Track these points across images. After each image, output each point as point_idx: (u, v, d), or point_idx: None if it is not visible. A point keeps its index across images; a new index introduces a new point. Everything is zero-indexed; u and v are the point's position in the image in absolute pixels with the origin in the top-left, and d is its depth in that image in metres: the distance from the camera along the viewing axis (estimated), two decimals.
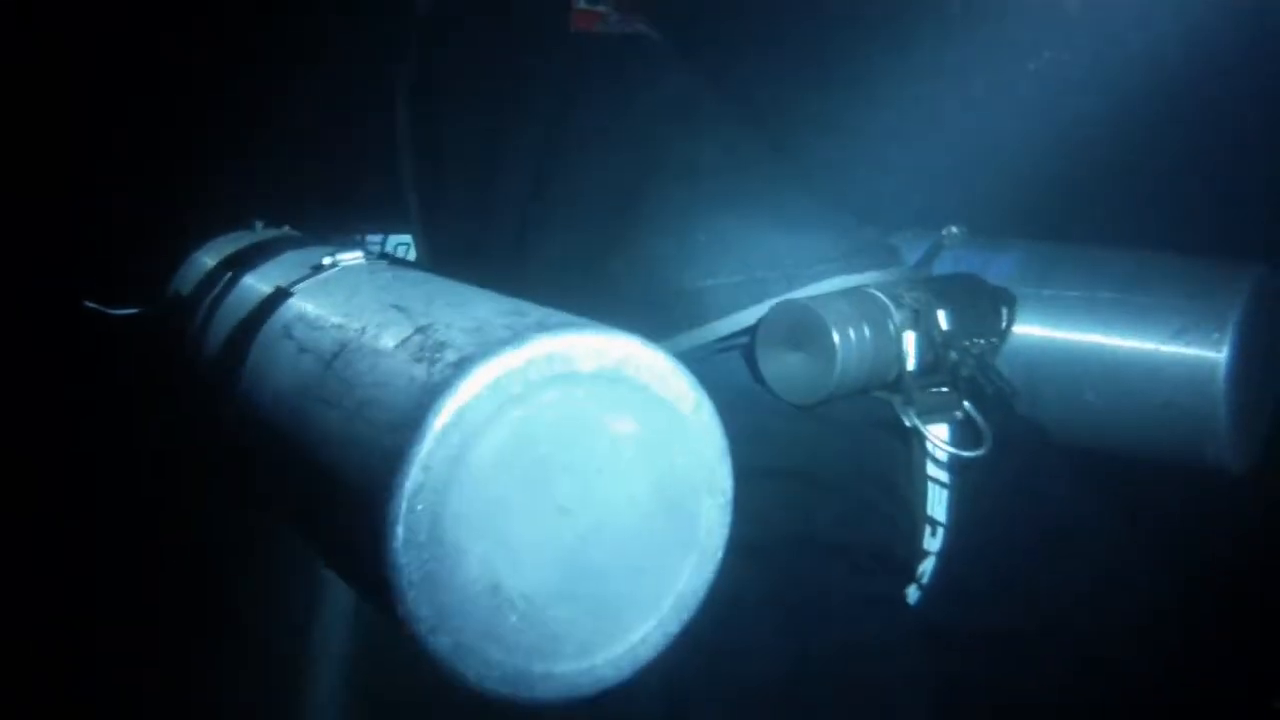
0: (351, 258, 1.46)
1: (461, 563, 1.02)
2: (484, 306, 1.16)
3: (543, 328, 1.05)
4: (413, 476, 0.99)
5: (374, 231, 1.88)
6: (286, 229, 1.82)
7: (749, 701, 1.39)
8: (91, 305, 2.12)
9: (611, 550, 1.11)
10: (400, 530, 0.99)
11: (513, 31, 1.83)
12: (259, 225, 1.83)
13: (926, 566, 1.56)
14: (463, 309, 1.16)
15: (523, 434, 1.04)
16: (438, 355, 1.06)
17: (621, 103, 1.74)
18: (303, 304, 1.38)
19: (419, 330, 1.13)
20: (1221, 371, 1.64)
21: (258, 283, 1.54)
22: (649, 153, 1.71)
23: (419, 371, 1.06)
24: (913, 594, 1.57)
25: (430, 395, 1.01)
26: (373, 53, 1.93)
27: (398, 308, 1.22)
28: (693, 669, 1.29)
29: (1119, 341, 1.72)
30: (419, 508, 0.99)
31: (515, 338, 1.03)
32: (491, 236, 1.70)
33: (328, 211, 1.90)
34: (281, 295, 1.42)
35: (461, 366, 1.02)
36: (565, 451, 1.07)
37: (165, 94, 2.28)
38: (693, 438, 1.13)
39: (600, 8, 1.83)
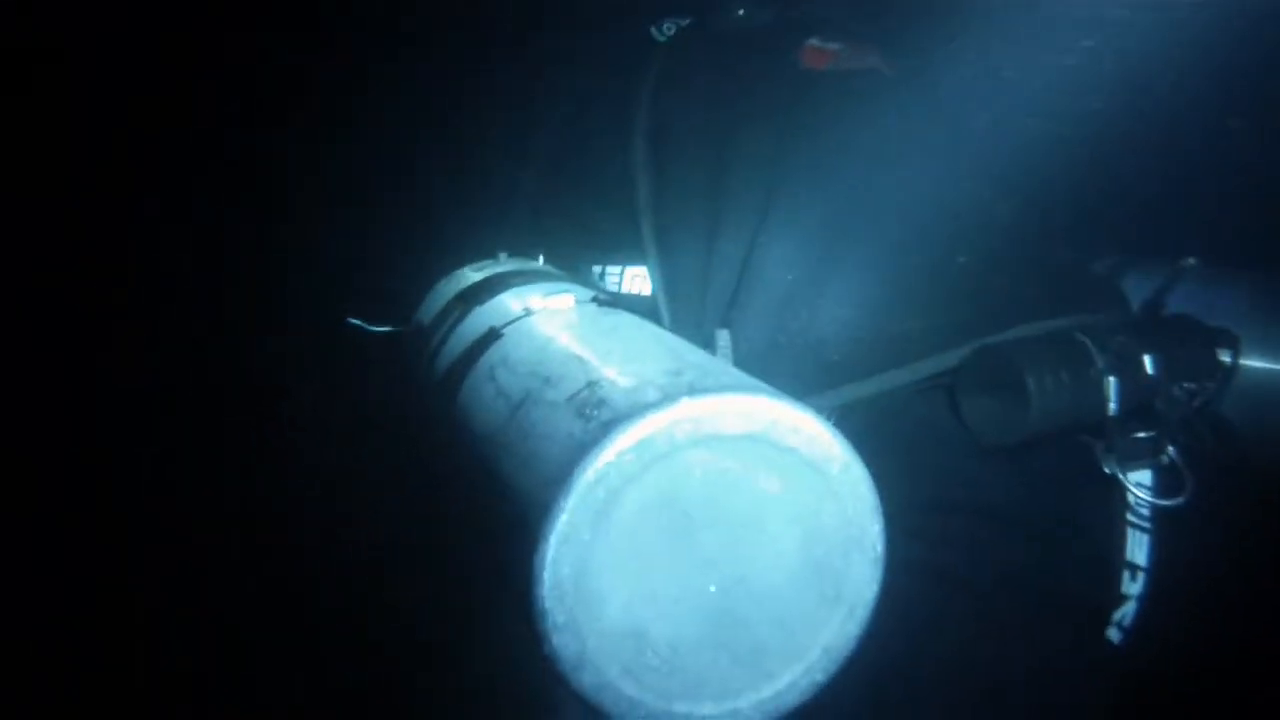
0: (558, 302, 1.55)
1: (605, 609, 1.10)
2: (652, 363, 1.23)
3: (693, 390, 1.11)
4: (559, 528, 1.07)
5: (614, 263, 1.97)
6: (529, 261, 1.94)
7: None
8: (355, 321, 2.34)
9: (756, 602, 1.15)
10: (547, 576, 1.07)
11: (743, 69, 1.88)
12: (503, 256, 1.96)
13: (1127, 610, 1.52)
14: (632, 364, 1.23)
15: (668, 491, 1.10)
16: (594, 413, 1.14)
17: (844, 138, 1.75)
18: (507, 347, 1.49)
19: (589, 385, 1.21)
20: None
21: (482, 318, 1.66)
22: (865, 191, 1.72)
23: (577, 428, 1.14)
24: (1114, 636, 1.53)
25: (579, 453, 1.09)
26: (613, 88, 2.02)
27: (579, 359, 1.30)
28: (881, 685, 1.32)
29: None
30: (565, 555, 1.07)
31: (664, 400, 1.09)
32: (720, 269, 1.76)
33: (572, 244, 2.00)
34: (493, 336, 1.53)
35: (610, 426, 1.09)
36: (711, 508, 1.12)
37: (425, 128, 2.47)
38: (841, 496, 1.16)
39: (832, 46, 1.85)
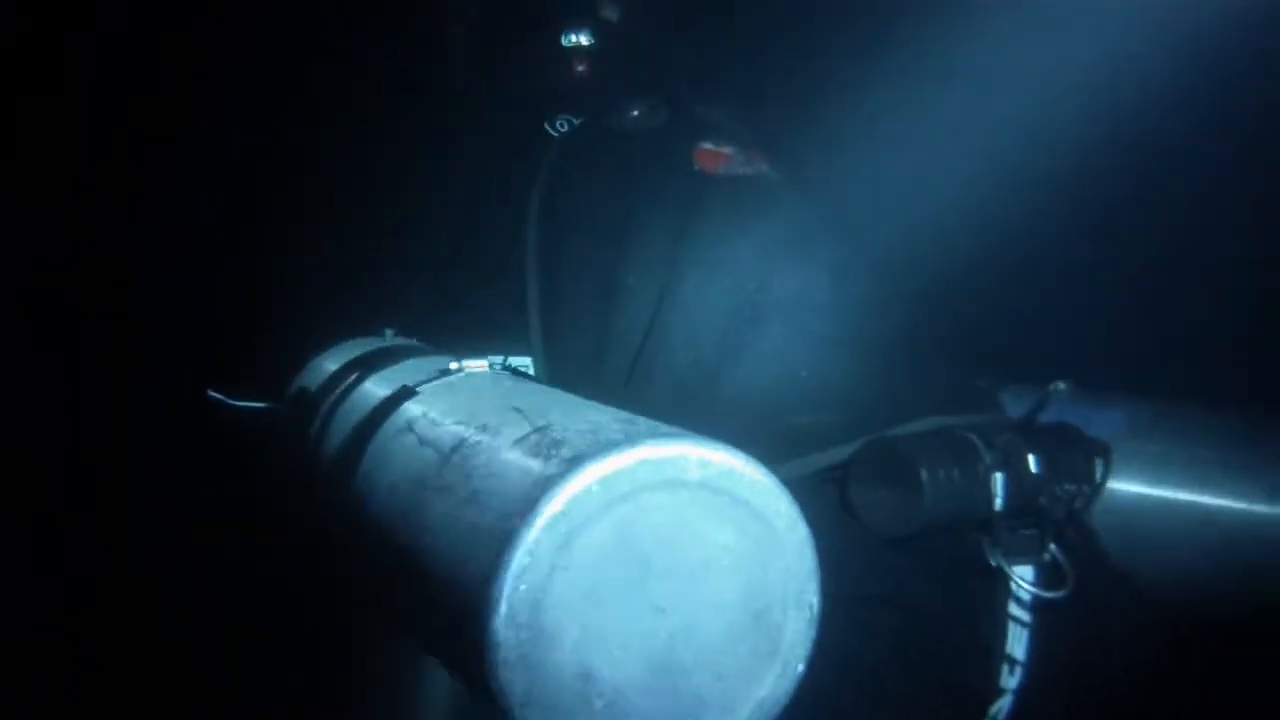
0: (477, 365, 1.55)
1: (556, 646, 1.08)
2: (600, 414, 1.25)
3: (654, 434, 1.13)
4: (519, 558, 1.06)
5: (496, 352, 1.98)
6: (414, 340, 1.93)
7: None
8: (216, 395, 2.25)
9: (698, 652, 1.16)
10: (503, 607, 1.05)
11: (639, 167, 1.95)
12: (389, 333, 1.94)
13: (1003, 704, 1.58)
14: (579, 415, 1.25)
15: (627, 532, 1.10)
16: (553, 452, 1.14)
17: (735, 238, 1.84)
18: (426, 403, 1.47)
19: (537, 430, 1.21)
20: None
21: (383, 383, 1.64)
22: (760, 290, 1.80)
23: (534, 465, 1.14)
24: None
25: (543, 486, 1.09)
26: (505, 177, 2.06)
27: (518, 410, 1.30)
28: None
29: (1217, 500, 1.73)
30: (522, 588, 1.06)
31: (628, 440, 1.11)
32: (608, 361, 1.79)
33: (452, 327, 2.00)
34: (406, 393, 1.52)
35: (575, 462, 1.10)
36: (665, 553, 1.13)
37: (308, 200, 2.45)
38: (785, 553, 1.19)
39: (725, 150, 1.94)
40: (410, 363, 1.71)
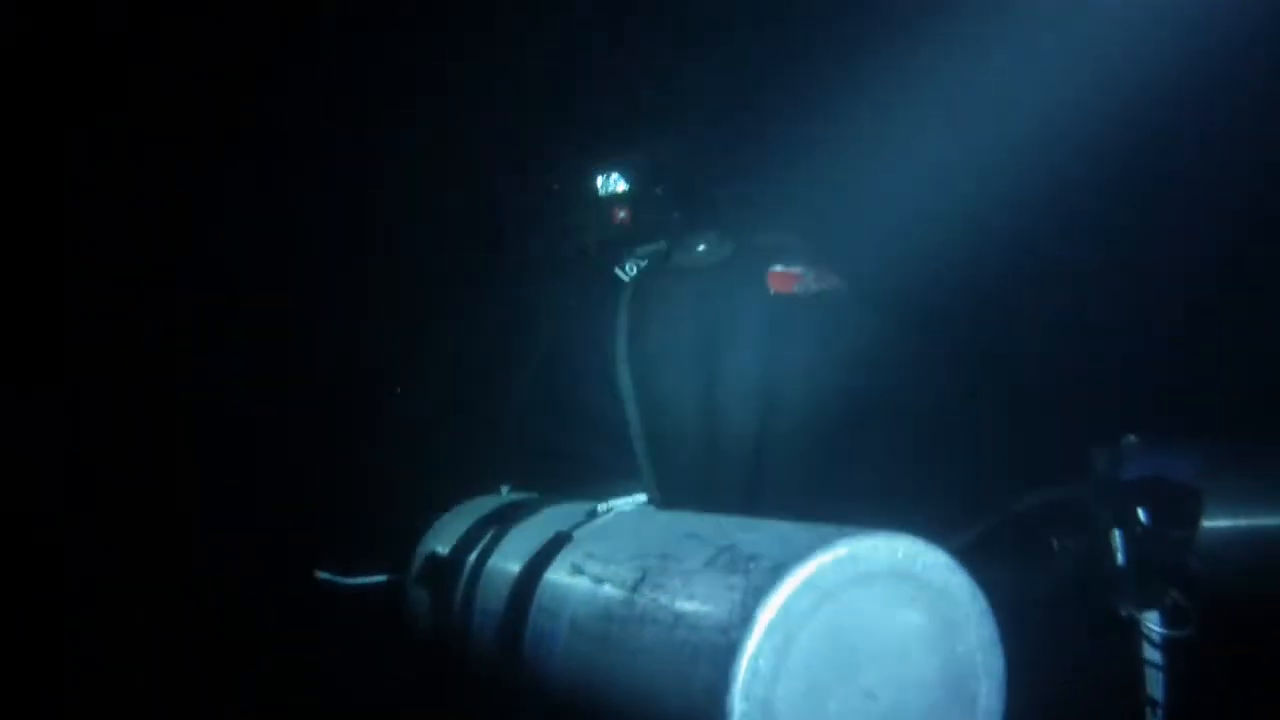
0: (624, 503, 1.66)
1: None
2: (778, 526, 1.35)
3: (842, 534, 1.24)
4: (745, 669, 1.16)
5: (597, 493, 2.07)
6: (532, 493, 2.02)
7: None
8: (326, 576, 2.32)
9: None
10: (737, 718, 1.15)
11: (716, 297, 2.09)
12: (505, 490, 2.04)
13: None
14: (758, 530, 1.35)
15: (835, 628, 1.21)
16: (751, 565, 1.25)
17: (826, 349, 1.97)
18: (586, 545, 1.57)
19: (723, 550, 1.32)
20: None
21: (529, 534, 1.73)
22: (850, 399, 1.93)
23: (737, 580, 1.24)
24: None
25: (755, 596, 1.19)
26: (584, 327, 2.20)
27: (692, 536, 1.41)
28: None
29: None
30: (751, 696, 1.16)
31: (822, 543, 1.22)
32: (720, 480, 1.90)
33: (548, 474, 2.10)
34: (562, 539, 1.62)
35: (779, 570, 1.21)
36: (869, 642, 1.23)
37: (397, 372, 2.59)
38: (971, 626, 1.29)
39: (795, 269, 2.08)
40: (546, 512, 1.81)
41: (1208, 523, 1.86)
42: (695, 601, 1.28)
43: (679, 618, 1.29)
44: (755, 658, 1.17)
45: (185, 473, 2.82)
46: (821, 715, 1.20)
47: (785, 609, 1.18)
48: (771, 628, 1.17)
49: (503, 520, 1.84)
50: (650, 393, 2.05)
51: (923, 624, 1.26)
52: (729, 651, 1.17)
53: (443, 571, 1.88)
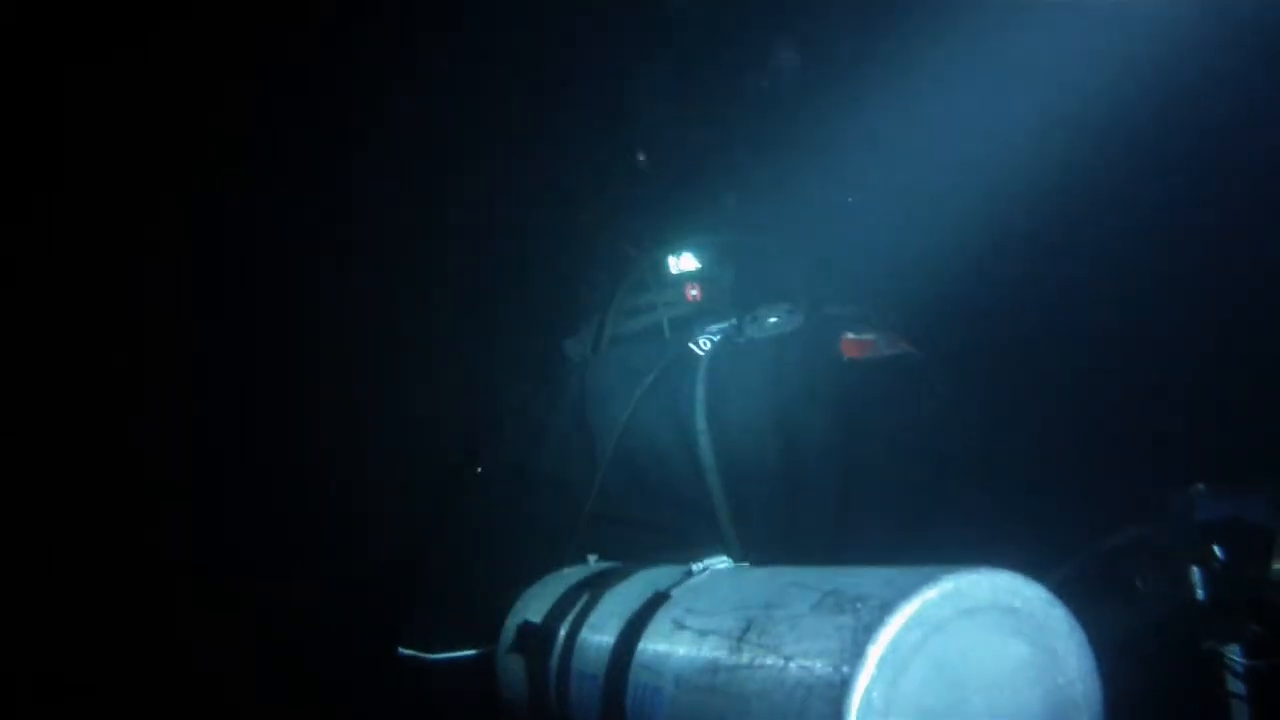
0: (718, 561, 1.72)
1: None
2: (878, 571, 1.41)
3: (945, 570, 1.30)
4: (860, 702, 1.22)
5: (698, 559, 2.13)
6: (621, 564, 2.09)
7: None
8: (409, 652, 2.38)
9: None
10: None
11: (789, 367, 2.17)
12: (592, 559, 2.11)
13: None
14: (860, 574, 1.41)
15: (942, 661, 1.26)
16: (859, 605, 1.31)
17: (903, 412, 2.04)
18: (686, 602, 1.64)
19: (827, 594, 1.38)
20: None
21: (625, 596, 1.79)
22: (929, 459, 2.00)
23: (846, 620, 1.30)
24: None
25: (865, 632, 1.25)
26: (662, 396, 2.29)
27: (795, 585, 1.47)
28: None
29: None
30: None
31: (927, 580, 1.28)
32: (804, 542, 1.97)
33: (646, 546, 2.16)
34: (660, 598, 1.68)
35: (887, 607, 1.27)
36: (976, 675, 1.28)
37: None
38: (1071, 657, 1.35)
39: (867, 336, 2.17)
40: (639, 576, 1.87)
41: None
42: (805, 642, 1.34)
43: (789, 659, 1.34)
44: (869, 691, 1.22)
45: (272, 553, 2.90)
46: None
47: (894, 643, 1.24)
48: (883, 661, 1.23)
49: (595, 586, 1.90)
50: (731, 461, 2.13)
51: (1025, 655, 1.31)
52: (843, 686, 1.23)
53: (536, 639, 1.93)
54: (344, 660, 2.85)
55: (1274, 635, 1.71)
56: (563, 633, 1.88)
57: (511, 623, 2.07)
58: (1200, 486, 1.97)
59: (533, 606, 2.05)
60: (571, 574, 2.05)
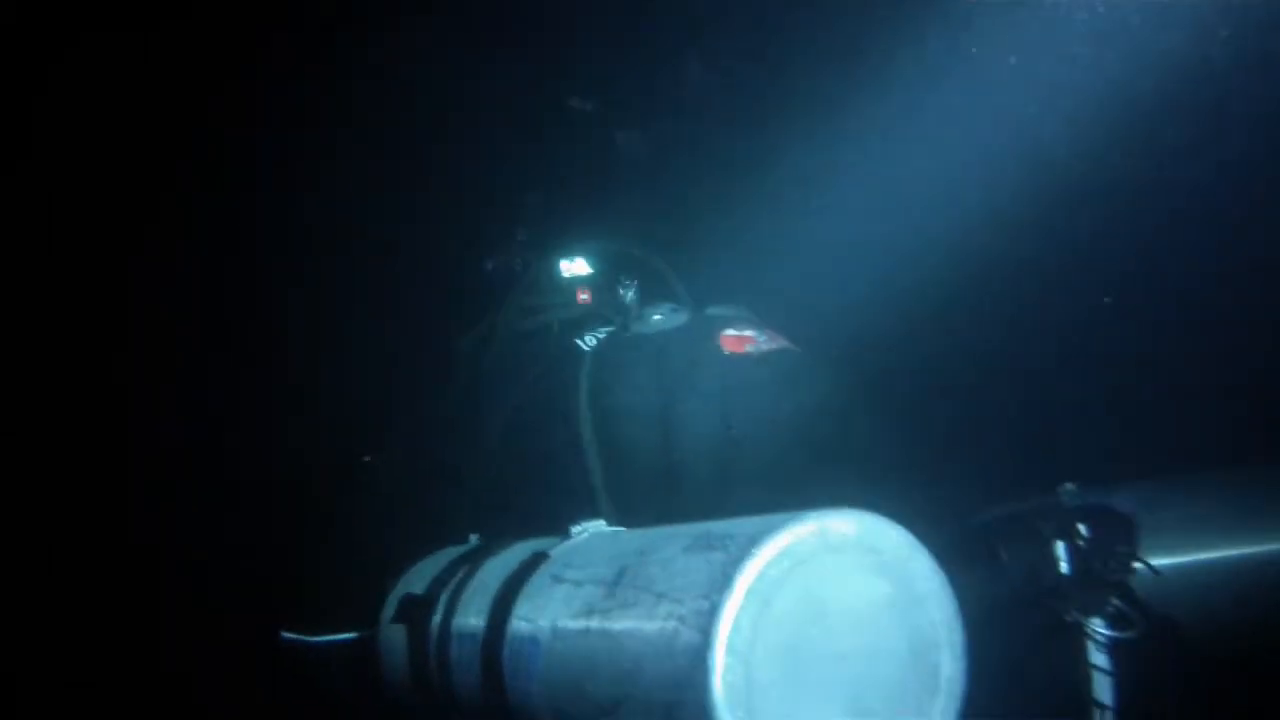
0: (597, 525, 1.75)
1: (766, 698, 1.25)
2: (749, 518, 1.43)
3: (812, 511, 1.34)
4: (729, 627, 1.24)
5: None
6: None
7: None
8: (292, 636, 2.36)
9: (878, 694, 1.34)
10: (719, 672, 1.22)
11: (673, 359, 2.22)
12: (474, 538, 2.12)
13: None
14: (728, 522, 1.44)
15: (808, 593, 1.29)
16: (729, 541, 1.34)
17: (779, 402, 2.10)
18: (565, 558, 1.66)
19: (698, 538, 1.41)
20: None
21: (507, 561, 1.80)
22: (805, 447, 2.05)
23: (715, 556, 1.33)
24: None
25: (733, 565, 1.28)
26: (547, 392, 2.32)
27: (668, 534, 1.50)
28: None
29: (1237, 550, 1.96)
30: (734, 651, 1.23)
31: (794, 518, 1.32)
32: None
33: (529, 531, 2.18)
34: (540, 558, 1.70)
35: (755, 541, 1.30)
36: (839, 608, 1.32)
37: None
38: (931, 599, 1.39)
39: (748, 332, 2.23)
40: (520, 545, 1.88)
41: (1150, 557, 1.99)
42: (676, 579, 1.36)
43: (660, 596, 1.37)
44: (737, 618, 1.25)
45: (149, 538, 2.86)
46: (797, 674, 1.28)
47: (762, 574, 1.27)
48: (751, 591, 1.26)
49: (477, 556, 1.92)
50: (612, 450, 2.16)
51: (888, 594, 1.35)
52: (711, 614, 1.25)
53: (418, 608, 1.93)
54: (228, 646, 2.80)
55: (1134, 609, 1.77)
56: (444, 599, 1.88)
57: (393, 596, 2.07)
58: (1070, 486, 2.05)
59: (415, 581, 2.05)
60: (455, 549, 2.06)
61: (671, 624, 1.32)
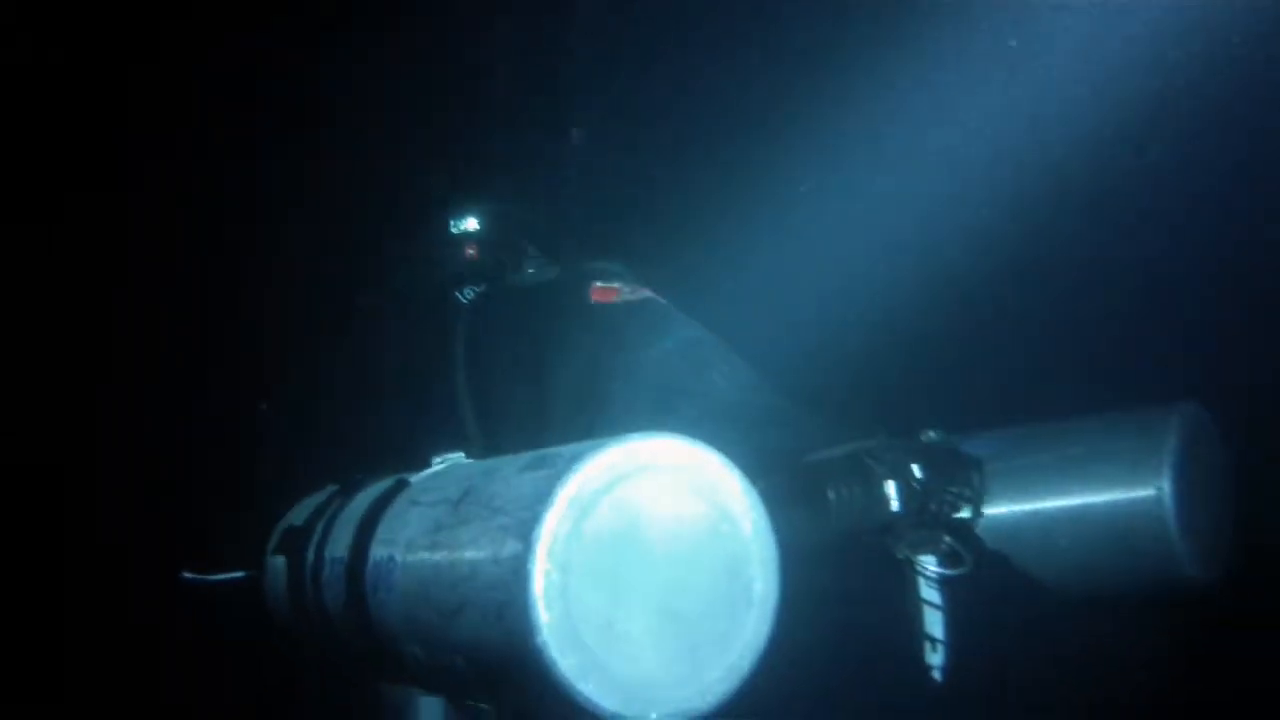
0: (456, 456, 1.85)
1: (582, 600, 1.36)
2: (587, 442, 1.54)
3: (634, 434, 1.45)
4: (549, 535, 1.35)
5: None
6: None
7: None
8: (190, 576, 2.46)
9: (692, 602, 1.45)
10: (539, 573, 1.33)
11: (544, 310, 2.34)
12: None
13: (931, 679, 1.89)
14: (566, 446, 1.55)
15: (624, 506, 1.40)
16: (556, 461, 1.45)
17: (644, 348, 2.21)
18: (423, 485, 1.77)
19: (536, 458, 1.53)
20: (1168, 503, 1.95)
21: (374, 491, 1.91)
22: (668, 392, 2.17)
23: (544, 472, 1.45)
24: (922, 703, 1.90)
25: (556, 478, 1.39)
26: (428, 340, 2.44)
27: (509, 461, 1.61)
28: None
29: (1079, 498, 2.08)
30: (552, 557, 1.34)
31: (616, 440, 1.43)
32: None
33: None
34: (402, 484, 1.81)
35: (576, 458, 1.41)
36: (655, 523, 1.43)
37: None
38: (744, 519, 1.50)
39: (614, 284, 2.35)
40: (390, 479, 1.98)
41: (995, 502, 2.11)
42: (511, 495, 1.47)
43: (495, 512, 1.48)
44: (557, 526, 1.35)
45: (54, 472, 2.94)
46: (613, 580, 1.39)
47: (580, 487, 1.37)
48: (571, 501, 1.36)
49: (350, 489, 2.02)
50: (485, 398, 2.28)
51: (702, 512, 1.46)
52: (533, 521, 1.36)
53: (296, 538, 2.04)
54: (133, 589, 2.89)
55: (966, 548, 1.90)
56: (319, 529, 1.98)
57: (277, 530, 2.17)
58: (931, 433, 2.16)
59: (296, 516, 2.15)
60: (333, 486, 2.16)
61: (500, 534, 1.43)
